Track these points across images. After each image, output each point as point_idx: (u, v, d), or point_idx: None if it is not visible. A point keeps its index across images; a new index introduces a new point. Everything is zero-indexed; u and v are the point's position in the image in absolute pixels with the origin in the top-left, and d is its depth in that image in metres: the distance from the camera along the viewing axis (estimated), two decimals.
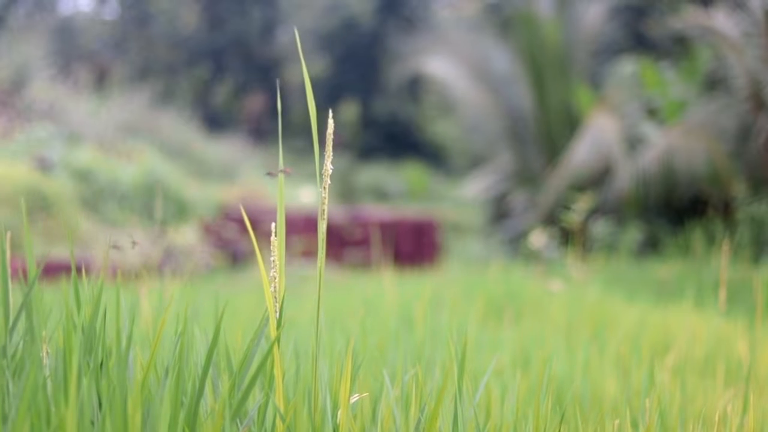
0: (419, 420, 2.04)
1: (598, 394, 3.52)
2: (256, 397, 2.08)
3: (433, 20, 26.69)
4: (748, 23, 14.20)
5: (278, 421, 1.93)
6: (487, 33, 20.30)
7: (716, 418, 2.54)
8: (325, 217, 1.97)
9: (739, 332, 5.33)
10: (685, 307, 6.31)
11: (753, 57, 13.95)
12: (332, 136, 1.96)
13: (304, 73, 1.94)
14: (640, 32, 20.32)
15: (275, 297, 1.94)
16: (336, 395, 2.01)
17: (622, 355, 4.29)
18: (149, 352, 2.21)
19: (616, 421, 2.49)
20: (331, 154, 1.95)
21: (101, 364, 1.96)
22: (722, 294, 3.59)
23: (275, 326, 1.91)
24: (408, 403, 2.09)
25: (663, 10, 19.23)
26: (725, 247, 4.01)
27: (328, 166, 1.97)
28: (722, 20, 14.45)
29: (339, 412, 1.95)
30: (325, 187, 1.98)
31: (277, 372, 1.90)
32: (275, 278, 1.94)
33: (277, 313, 1.93)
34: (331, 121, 1.97)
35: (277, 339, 1.88)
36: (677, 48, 19.26)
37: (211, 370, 2.15)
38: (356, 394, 2.15)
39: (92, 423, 1.90)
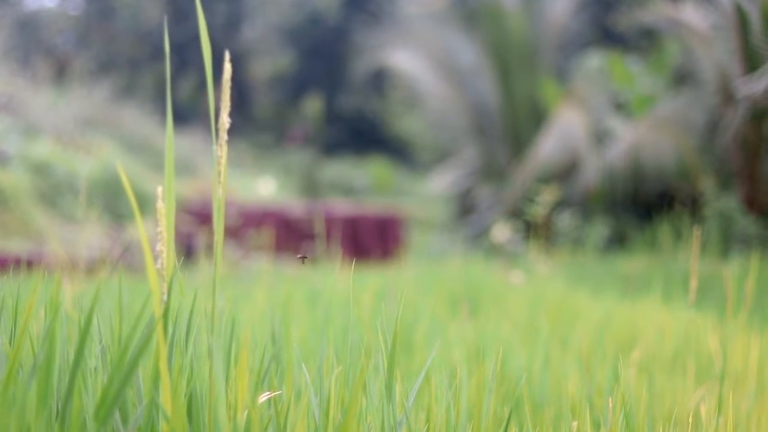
0: (339, 424, 1.72)
1: (558, 392, 3.22)
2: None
3: (399, 14, 26.39)
4: (716, 16, 13.98)
5: (163, 423, 1.60)
6: (453, 26, 20.03)
7: (689, 420, 2.24)
8: (222, 181, 1.64)
9: (709, 327, 5.06)
10: (652, 302, 6.03)
11: (722, 50, 13.74)
12: (229, 83, 1.63)
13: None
14: (608, 25, 20.12)
15: (161, 275, 1.62)
16: (238, 394, 1.68)
17: (586, 351, 4.00)
18: (31, 349, 1.89)
19: (574, 423, 2.19)
20: (228, 106, 1.62)
21: None
22: (693, 283, 3.31)
23: (159, 311, 1.58)
24: (327, 406, 1.78)
25: (630, 2, 19.03)
26: (696, 237, 3.73)
27: (225, 118, 1.65)
28: (691, 13, 14.23)
29: (243, 414, 1.64)
30: (221, 145, 1.66)
31: (162, 365, 1.57)
32: (162, 252, 1.62)
33: (165, 295, 1.60)
34: (228, 65, 1.64)
35: (164, 326, 1.55)
36: (645, 41, 19.09)
37: (99, 367, 1.83)
38: (267, 393, 1.83)
39: None
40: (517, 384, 3.08)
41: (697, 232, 3.71)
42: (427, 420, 2.10)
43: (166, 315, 1.58)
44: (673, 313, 5.69)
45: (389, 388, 1.77)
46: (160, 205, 1.60)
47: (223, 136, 1.64)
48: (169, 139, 1.56)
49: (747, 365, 3.84)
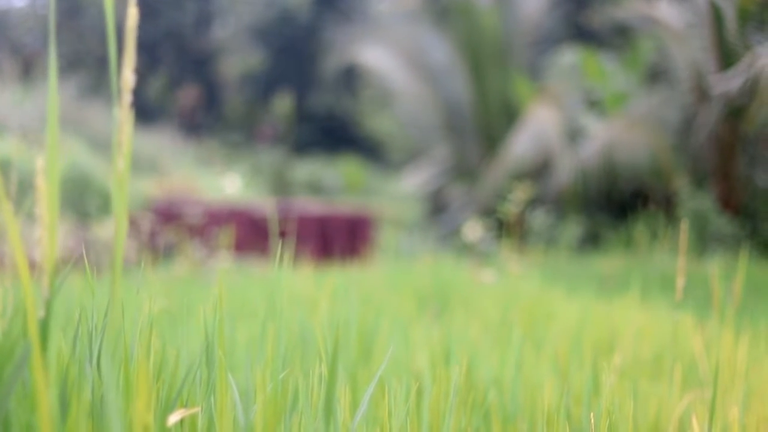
0: None
1: (532, 401, 2.94)
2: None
3: (370, 12, 26.11)
4: (691, 13, 13.78)
5: None
6: (425, 23, 19.78)
7: None
8: (125, 153, 1.33)
9: (689, 328, 4.81)
10: (630, 302, 5.77)
11: (696, 48, 13.54)
12: (134, 33, 1.32)
13: None
14: (581, 22, 19.92)
15: (42, 269, 1.30)
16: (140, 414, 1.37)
17: (562, 354, 3.73)
18: None
19: None
20: (133, 61, 1.32)
21: None
22: (680, 282, 3.04)
23: (34, 312, 1.26)
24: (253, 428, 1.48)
25: None
26: (683, 232, 3.47)
27: (128, 77, 1.34)
28: (665, 10, 14.05)
29: None
30: (123, 107, 1.34)
31: (40, 382, 1.26)
32: (43, 239, 1.30)
33: (46, 295, 1.29)
34: (133, 10, 1.33)
35: (42, 333, 1.24)
36: (619, 38, 18.89)
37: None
38: (182, 410, 1.54)
39: None
40: (486, 393, 2.79)
41: (683, 227, 3.44)
42: None
43: (46, 319, 1.27)
44: (651, 314, 5.44)
45: (329, 408, 1.48)
46: (39, 181, 1.29)
47: (127, 97, 1.33)
48: (52, 90, 1.25)
49: (734, 368, 3.59)
